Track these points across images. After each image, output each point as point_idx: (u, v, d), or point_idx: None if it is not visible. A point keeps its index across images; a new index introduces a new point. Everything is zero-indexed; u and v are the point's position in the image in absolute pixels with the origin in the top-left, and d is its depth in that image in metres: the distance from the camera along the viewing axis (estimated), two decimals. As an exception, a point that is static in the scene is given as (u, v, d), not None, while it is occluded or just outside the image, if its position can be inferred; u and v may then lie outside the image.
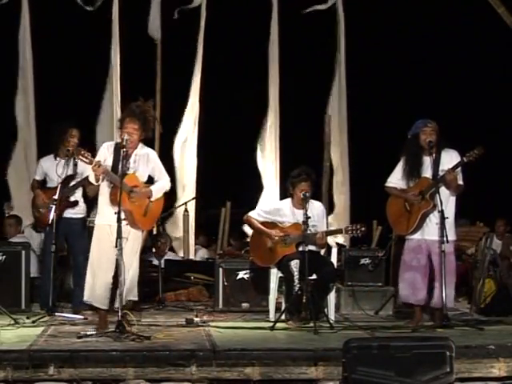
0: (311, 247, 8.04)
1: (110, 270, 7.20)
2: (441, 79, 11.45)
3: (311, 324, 7.52)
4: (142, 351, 6.43)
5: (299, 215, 7.98)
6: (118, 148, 7.31)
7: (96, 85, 11.01)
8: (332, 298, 8.17)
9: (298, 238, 7.99)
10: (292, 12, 11.12)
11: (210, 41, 11.29)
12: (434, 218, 7.78)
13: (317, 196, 8.94)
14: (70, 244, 8.64)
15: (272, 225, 8.23)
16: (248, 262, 8.90)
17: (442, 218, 7.60)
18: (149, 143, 7.65)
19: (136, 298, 7.50)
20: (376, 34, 11.26)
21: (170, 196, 9.06)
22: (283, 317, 7.90)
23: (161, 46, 11.41)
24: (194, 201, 11.09)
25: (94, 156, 7.30)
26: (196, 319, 7.94)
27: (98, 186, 7.33)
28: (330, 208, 10.73)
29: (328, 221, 8.75)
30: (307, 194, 7.98)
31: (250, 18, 10.97)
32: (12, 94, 10.87)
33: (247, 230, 9.56)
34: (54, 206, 8.11)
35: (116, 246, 7.00)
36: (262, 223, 8.25)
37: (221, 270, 8.94)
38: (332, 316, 8.03)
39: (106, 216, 7.25)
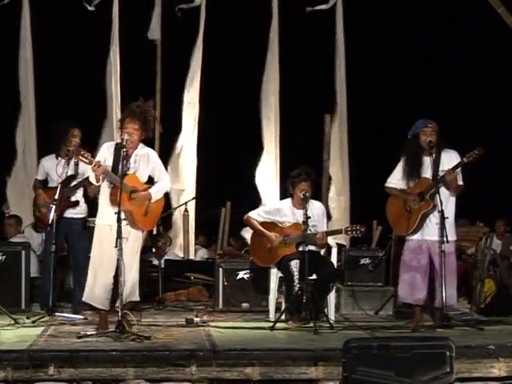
0: (311, 247, 8.04)
1: (111, 270, 7.20)
2: (441, 79, 11.45)
3: (311, 324, 7.52)
4: (141, 351, 6.43)
5: (299, 215, 7.98)
6: (118, 148, 7.30)
7: (96, 85, 11.01)
8: (332, 298, 8.17)
9: (298, 238, 7.99)
10: (292, 12, 11.12)
11: (209, 41, 11.29)
12: (434, 219, 7.78)
13: (317, 196, 8.94)
14: (71, 244, 8.64)
15: (272, 225, 8.23)
16: (248, 261, 8.90)
17: (442, 218, 7.60)
18: (149, 143, 7.64)
19: (138, 299, 7.50)
20: (376, 33, 11.26)
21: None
22: (283, 317, 7.90)
23: (161, 46, 11.42)
24: (193, 201, 11.10)
25: (94, 156, 7.29)
26: (196, 319, 7.94)
27: (99, 186, 7.33)
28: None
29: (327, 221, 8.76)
30: (307, 194, 7.98)
31: (250, 17, 10.97)
32: (12, 94, 10.87)
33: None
34: (54, 206, 8.11)
35: (116, 246, 7.00)
36: (262, 223, 8.25)
37: (221, 269, 8.94)
38: (332, 316, 8.03)
39: (106, 216, 7.25)
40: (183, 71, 11.31)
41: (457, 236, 8.02)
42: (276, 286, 8.27)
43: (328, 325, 7.61)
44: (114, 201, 7.15)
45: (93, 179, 7.28)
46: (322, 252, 8.34)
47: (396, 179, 7.98)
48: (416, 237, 7.85)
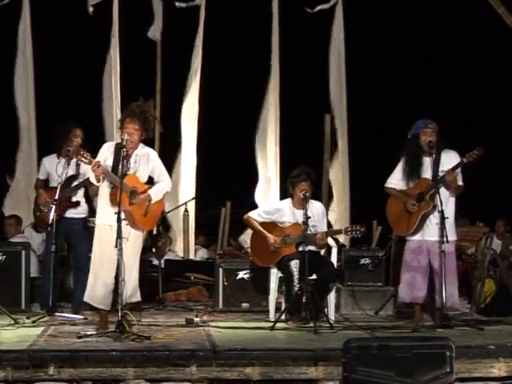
0: (311, 247, 8.04)
1: (112, 270, 7.20)
2: (441, 79, 11.45)
3: (311, 324, 7.52)
4: (141, 351, 6.43)
5: (299, 215, 7.98)
6: (118, 148, 7.29)
7: (96, 85, 11.01)
8: (332, 298, 8.17)
9: (298, 238, 7.99)
10: (292, 11, 11.12)
11: (209, 40, 11.30)
12: (434, 219, 7.78)
13: (317, 196, 8.94)
14: (71, 244, 8.63)
15: (272, 225, 8.23)
16: (248, 261, 8.90)
17: (442, 219, 7.61)
18: (149, 143, 7.64)
19: (139, 299, 7.50)
20: (376, 33, 11.26)
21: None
22: (283, 317, 7.90)
23: (161, 46, 11.42)
24: (193, 201, 11.10)
25: (94, 156, 7.29)
26: (196, 319, 7.94)
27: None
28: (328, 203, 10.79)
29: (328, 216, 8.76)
30: (307, 194, 7.98)
31: (250, 17, 10.97)
32: (12, 94, 10.88)
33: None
34: (54, 206, 8.11)
35: (116, 246, 7.00)
36: (262, 223, 8.25)
37: (221, 269, 8.94)
38: (332, 316, 8.03)
39: (106, 216, 7.24)
40: (183, 71, 11.32)
41: (457, 236, 8.02)
42: (276, 286, 8.27)
43: (328, 325, 7.61)
44: (114, 201, 7.14)
45: (93, 179, 7.28)
46: (322, 252, 8.34)
47: (396, 179, 7.98)
48: (416, 237, 7.85)
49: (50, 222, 8.17)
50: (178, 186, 10.96)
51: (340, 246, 9.52)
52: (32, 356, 6.25)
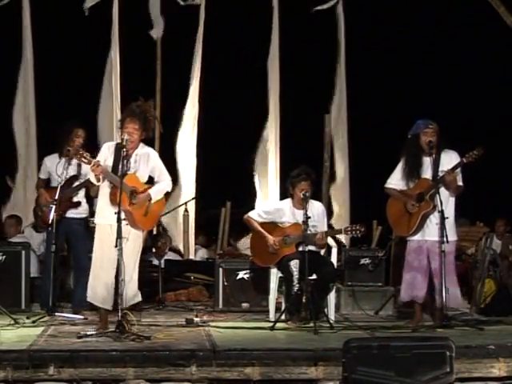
0: (311, 247, 8.04)
1: (112, 269, 7.20)
2: (441, 79, 11.45)
3: (311, 324, 7.52)
4: (141, 351, 6.43)
5: (299, 215, 7.98)
6: (118, 148, 7.29)
7: (96, 85, 11.01)
8: (332, 298, 8.17)
9: (298, 238, 7.99)
10: (293, 12, 11.12)
11: (209, 40, 11.30)
12: (434, 219, 7.78)
13: (317, 196, 8.94)
14: (72, 244, 8.62)
15: (272, 225, 8.23)
16: (248, 261, 8.90)
17: (442, 219, 7.61)
18: (149, 143, 7.64)
19: (140, 299, 7.50)
20: (376, 34, 11.26)
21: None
22: (283, 317, 7.90)
23: (161, 46, 11.42)
24: (193, 201, 11.10)
25: (94, 156, 7.29)
26: (196, 319, 7.94)
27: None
28: (329, 212, 10.75)
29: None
30: (307, 194, 7.98)
31: (251, 17, 10.98)
32: (12, 94, 10.88)
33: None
34: (53, 206, 8.11)
35: (116, 246, 6.99)
36: (262, 223, 8.24)
37: (221, 269, 8.94)
38: (332, 316, 8.03)
39: (106, 216, 7.24)
40: (183, 71, 11.32)
41: (457, 236, 8.02)
42: (276, 286, 8.27)
43: (328, 325, 7.61)
44: (114, 200, 7.14)
45: (93, 179, 7.27)
46: (322, 252, 8.34)
47: (396, 180, 7.98)
48: (417, 237, 7.85)
49: (50, 221, 8.17)
50: (177, 186, 10.95)
51: (340, 246, 9.52)
52: (32, 356, 6.25)
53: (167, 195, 7.71)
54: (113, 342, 6.78)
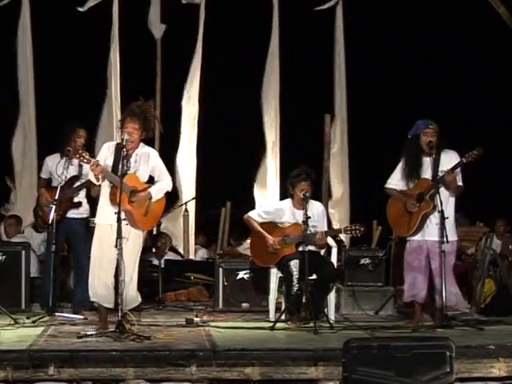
0: (311, 247, 8.04)
1: (111, 269, 7.20)
2: (441, 79, 11.45)
3: (311, 324, 7.51)
4: (141, 351, 6.42)
5: (299, 215, 7.97)
6: (118, 148, 7.29)
7: (96, 84, 11.01)
8: (332, 298, 8.17)
9: (298, 238, 7.98)
10: (293, 11, 11.12)
11: (210, 40, 11.30)
12: (434, 219, 7.77)
13: (317, 196, 8.94)
14: (73, 244, 8.61)
15: (272, 225, 8.23)
16: (248, 261, 8.90)
17: (442, 219, 7.61)
18: (149, 143, 7.64)
19: (140, 301, 7.50)
20: (376, 34, 11.27)
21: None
22: (283, 317, 7.90)
23: (161, 46, 11.42)
24: (193, 201, 11.10)
25: (94, 156, 7.29)
26: (196, 319, 7.94)
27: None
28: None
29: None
30: (307, 194, 7.98)
31: (250, 16, 10.98)
32: (12, 94, 10.88)
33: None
34: (53, 206, 8.11)
35: (116, 246, 6.99)
36: (262, 224, 8.24)
37: (221, 269, 8.93)
38: (332, 316, 8.03)
39: (106, 216, 7.24)
40: (183, 71, 11.32)
41: (457, 236, 8.02)
42: (276, 286, 8.27)
43: (328, 325, 7.61)
44: (114, 200, 7.14)
45: (93, 179, 7.28)
46: (322, 252, 8.34)
47: (396, 180, 7.97)
48: (417, 237, 7.84)
49: (50, 221, 8.17)
50: (177, 186, 10.96)
51: (340, 245, 9.52)
52: (32, 356, 6.24)
53: (167, 195, 7.70)
54: (113, 342, 6.77)
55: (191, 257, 10.99)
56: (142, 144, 7.40)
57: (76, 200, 8.47)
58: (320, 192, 10.44)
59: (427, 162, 7.85)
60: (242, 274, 8.93)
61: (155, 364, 6.27)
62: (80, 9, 10.76)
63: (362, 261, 9.18)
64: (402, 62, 11.39)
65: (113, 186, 7.22)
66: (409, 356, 5.28)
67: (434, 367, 5.28)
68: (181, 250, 11.00)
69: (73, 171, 8.39)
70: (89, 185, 8.17)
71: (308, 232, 7.87)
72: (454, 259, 8.00)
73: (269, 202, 10.71)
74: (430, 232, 7.79)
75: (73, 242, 8.58)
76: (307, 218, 7.82)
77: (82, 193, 8.49)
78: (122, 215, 7.05)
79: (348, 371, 5.26)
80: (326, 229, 8.26)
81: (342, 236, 10.03)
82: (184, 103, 11.32)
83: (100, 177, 7.19)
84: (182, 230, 11.06)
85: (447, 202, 7.77)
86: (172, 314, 8.62)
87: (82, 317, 8.08)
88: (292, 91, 11.34)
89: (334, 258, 8.45)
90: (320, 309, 7.83)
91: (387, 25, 11.22)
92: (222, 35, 11.16)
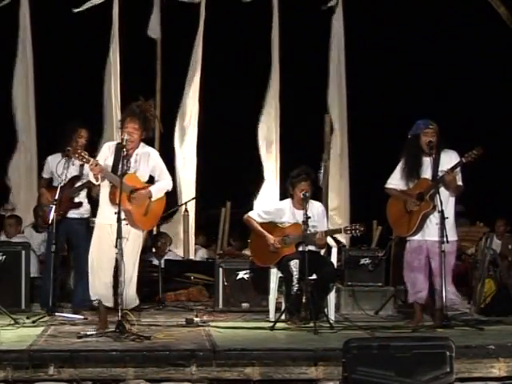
0: (311, 247, 8.04)
1: (110, 269, 7.20)
2: (441, 79, 11.44)
3: (311, 324, 7.52)
4: (141, 351, 6.43)
5: (299, 215, 7.98)
6: (119, 148, 7.30)
7: (96, 84, 11.01)
8: (332, 298, 8.17)
9: (298, 238, 7.98)
10: (293, 11, 11.12)
11: (209, 40, 11.29)
12: (434, 219, 7.78)
13: (317, 196, 8.94)
14: (73, 244, 8.61)
15: (272, 225, 8.23)
16: (248, 261, 8.90)
17: (442, 219, 7.61)
18: (149, 143, 7.64)
19: (138, 303, 7.50)
20: (376, 34, 11.26)
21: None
22: (283, 317, 7.90)
23: (161, 46, 11.42)
24: (194, 201, 11.10)
25: (94, 156, 7.29)
26: (196, 319, 7.94)
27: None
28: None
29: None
30: (307, 194, 7.98)
31: (250, 16, 10.97)
32: (12, 94, 10.88)
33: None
34: (53, 206, 8.10)
35: (116, 246, 6.99)
36: (262, 224, 8.24)
37: (221, 269, 8.94)
38: (332, 316, 8.03)
39: (106, 216, 7.24)
40: (183, 71, 11.32)
41: (457, 236, 8.02)
42: (276, 286, 8.27)
43: (328, 325, 7.61)
44: (113, 200, 7.14)
45: (92, 178, 7.28)
46: (322, 252, 8.34)
47: (396, 180, 7.97)
48: (417, 237, 7.85)
49: (50, 221, 8.17)
50: (177, 186, 10.95)
51: (340, 246, 9.52)
52: (32, 356, 6.25)
53: (167, 195, 7.70)
54: (113, 342, 6.77)
55: (191, 257, 10.98)
56: (142, 144, 7.40)
57: (77, 200, 8.47)
58: (320, 192, 10.43)
59: (427, 161, 7.85)
60: (241, 274, 8.93)
61: (155, 364, 6.27)
62: (75, 10, 10.73)
63: (362, 261, 9.18)
64: (401, 62, 11.38)
65: (112, 185, 7.22)
66: (409, 356, 5.28)
67: (434, 367, 5.28)
68: (181, 250, 10.99)
69: (74, 171, 8.39)
70: (90, 185, 8.17)
71: (308, 232, 7.87)
72: (454, 259, 8.01)
73: (269, 201, 10.70)
74: (430, 232, 7.80)
75: (73, 242, 8.58)
76: (307, 217, 7.82)
77: (83, 193, 8.48)
78: (122, 215, 7.05)
79: (348, 371, 5.26)
80: (325, 229, 8.26)
81: (342, 237, 10.04)
82: (184, 103, 11.31)
83: (99, 177, 7.19)
84: (181, 229, 11.05)
85: (447, 201, 7.77)
86: (172, 314, 8.62)
87: (81, 317, 8.08)
88: (292, 91, 11.34)
89: (334, 258, 8.45)
90: (320, 309, 7.84)
91: (387, 25, 11.21)
92: (221, 35, 11.15)
